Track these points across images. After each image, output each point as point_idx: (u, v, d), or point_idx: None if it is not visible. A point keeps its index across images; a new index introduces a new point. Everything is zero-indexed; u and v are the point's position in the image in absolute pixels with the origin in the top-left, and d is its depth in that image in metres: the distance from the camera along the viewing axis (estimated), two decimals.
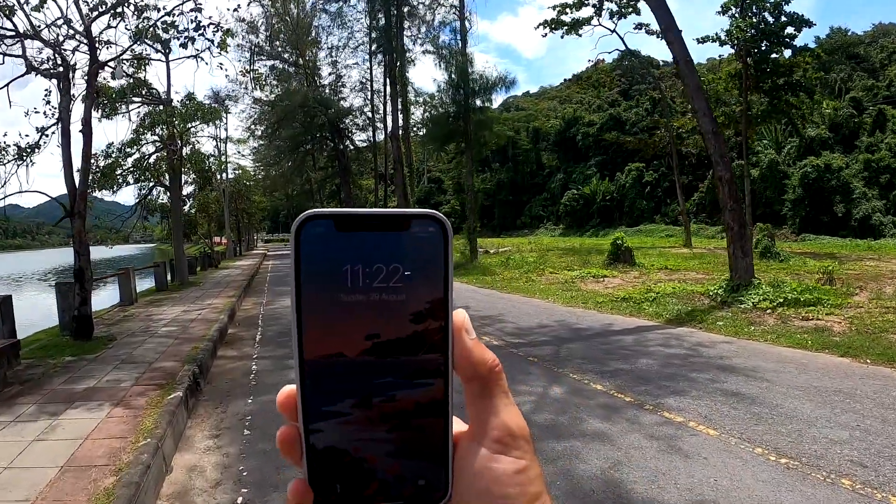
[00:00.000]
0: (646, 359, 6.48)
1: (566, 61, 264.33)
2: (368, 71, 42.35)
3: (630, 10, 31.79)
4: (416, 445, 0.35)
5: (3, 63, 7.83)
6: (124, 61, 12.64)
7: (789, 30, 29.39)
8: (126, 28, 9.20)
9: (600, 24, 33.79)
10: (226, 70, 38.04)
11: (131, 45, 8.57)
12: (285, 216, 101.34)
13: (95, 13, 7.82)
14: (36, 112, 10.29)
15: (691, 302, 10.75)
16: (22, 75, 7.75)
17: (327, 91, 44.18)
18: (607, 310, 10.15)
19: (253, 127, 44.76)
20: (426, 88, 65.68)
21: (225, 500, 3.18)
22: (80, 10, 7.77)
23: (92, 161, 15.77)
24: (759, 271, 15.61)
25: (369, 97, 42.91)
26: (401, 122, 31.61)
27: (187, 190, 25.23)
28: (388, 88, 38.72)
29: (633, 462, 3.63)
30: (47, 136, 10.07)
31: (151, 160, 16.11)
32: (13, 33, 7.49)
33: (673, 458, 3.67)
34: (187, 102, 15.55)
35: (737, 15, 30.03)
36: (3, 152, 8.40)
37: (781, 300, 9.65)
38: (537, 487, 0.34)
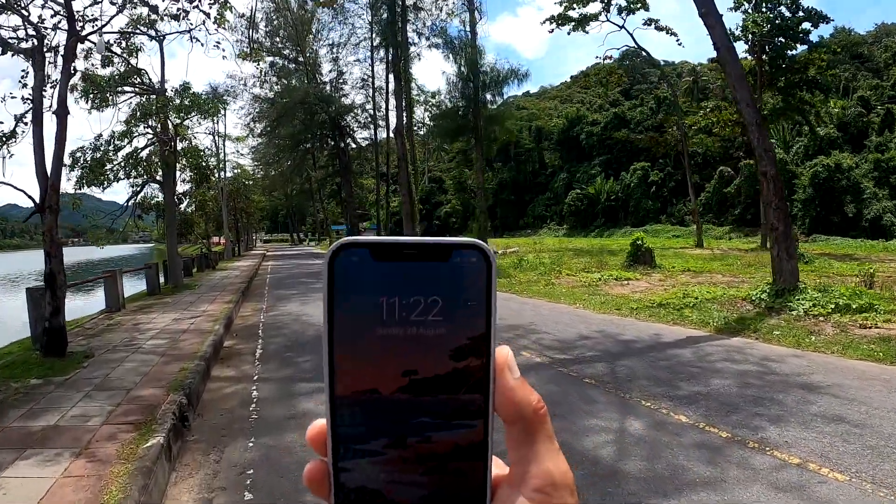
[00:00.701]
0: (717, 378, 5.56)
1: (566, 62, 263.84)
2: (370, 68, 41.40)
3: (639, 4, 30.94)
4: (452, 489, 0.34)
5: None
6: (108, 43, 11.60)
7: (804, 25, 28.50)
8: (111, 2, 8.20)
9: (608, 21, 32.87)
10: (223, 50, 36.72)
11: (115, 15, 7.49)
12: (284, 216, 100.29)
13: None
14: (13, 98, 9.29)
15: (734, 308, 9.84)
16: None
17: (328, 88, 43.19)
18: (646, 317, 9.18)
19: (252, 125, 43.76)
20: (429, 86, 64.79)
21: None
22: None
23: (79, 155, 14.80)
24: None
25: (371, 94, 41.96)
26: (404, 118, 30.67)
27: (184, 188, 24.20)
28: (393, 84, 37.79)
29: None
30: (25, 123, 9.06)
31: (144, 154, 15.07)
32: None
33: None
34: (182, 92, 14.51)
35: (750, 10, 29.06)
36: None
37: (833, 306, 8.83)
38: None
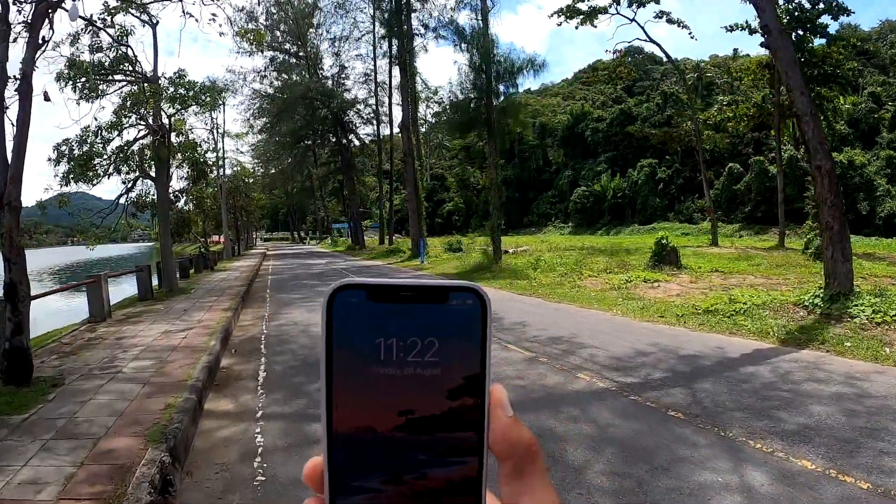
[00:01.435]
0: (816, 405, 4.64)
1: (566, 60, 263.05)
2: (373, 62, 40.28)
3: None
4: None
5: None
6: (94, 21, 10.54)
7: (822, 19, 27.47)
8: None
9: (618, 13, 31.82)
10: (220, 25, 35.33)
11: None
12: (284, 214, 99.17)
13: None
14: None
15: (788, 315, 8.85)
16: None
17: (330, 83, 42.08)
18: (696, 326, 8.16)
19: (252, 120, 42.65)
20: (432, 82, 63.64)
21: None
22: None
23: (64, 148, 13.71)
24: (817, 273, 13.67)
25: (374, 89, 40.83)
26: (410, 113, 29.57)
27: (181, 184, 23.10)
28: (396, 78, 36.76)
29: None
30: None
31: (135, 148, 13.99)
32: None
33: None
34: (177, 80, 13.41)
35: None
36: None
37: (895, 313, 7.91)
38: None
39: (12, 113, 5.43)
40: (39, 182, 16.90)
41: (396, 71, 38.29)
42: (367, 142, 45.07)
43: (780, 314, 8.88)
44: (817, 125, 10.31)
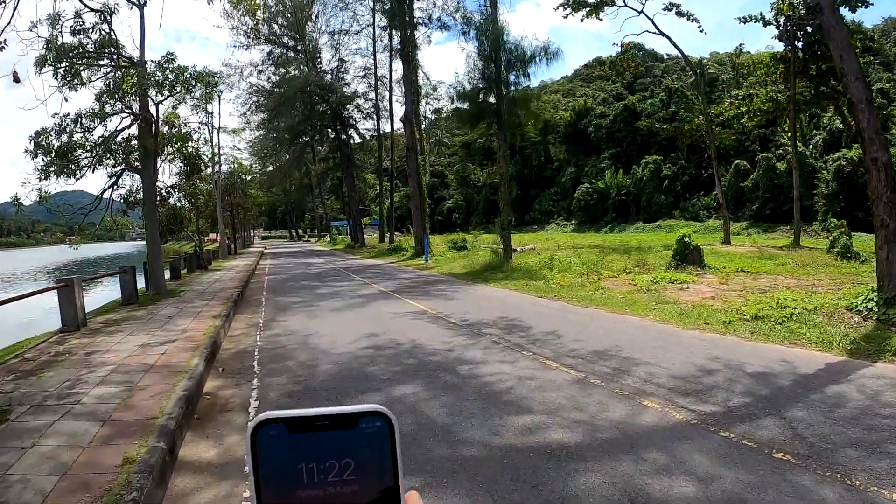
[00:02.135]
0: None
1: (566, 57, 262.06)
2: (373, 56, 39.17)
3: None
4: None
5: None
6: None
7: (841, 11, 26.50)
8: None
9: (626, 6, 30.86)
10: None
11: None
12: (283, 212, 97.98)
13: None
14: None
15: (843, 321, 7.93)
16: None
17: (329, 77, 40.98)
18: (748, 334, 7.20)
19: (248, 114, 41.54)
20: (433, 77, 62.32)
21: None
22: None
23: (42, 139, 12.64)
24: (848, 273, 12.69)
25: (374, 84, 39.73)
26: (412, 106, 28.51)
27: (173, 180, 22.05)
28: (397, 71, 35.67)
29: None
30: None
31: (120, 138, 12.93)
32: None
33: None
34: (164, 65, 12.36)
35: None
36: None
37: None
38: None
39: None
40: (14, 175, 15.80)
41: (397, 65, 37.25)
42: (367, 137, 43.96)
43: (835, 321, 7.96)
44: (873, 113, 9.36)
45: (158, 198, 21.65)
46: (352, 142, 43.08)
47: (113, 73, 12.60)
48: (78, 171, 12.92)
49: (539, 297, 11.16)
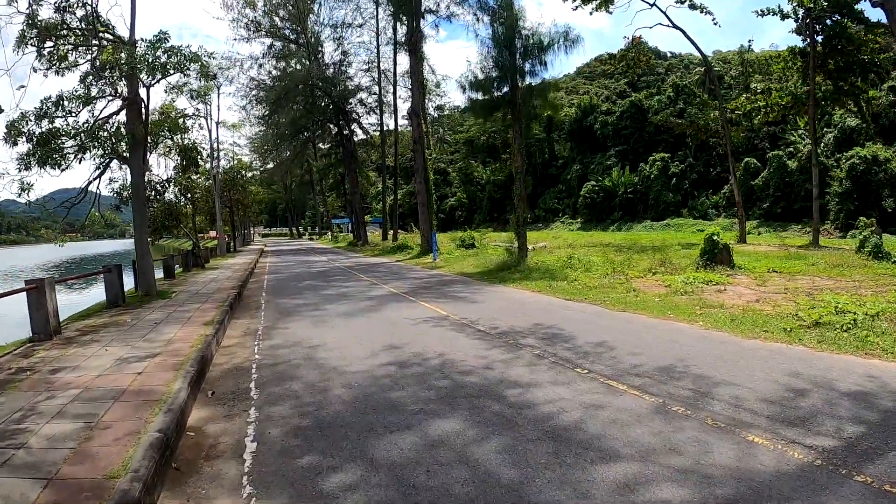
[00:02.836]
0: None
1: (568, 55, 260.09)
2: (376, 49, 38.02)
3: None
4: None
5: None
6: None
7: (859, 5, 25.44)
8: None
9: None
10: None
11: None
12: (283, 209, 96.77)
13: None
14: None
15: None
16: None
17: (331, 71, 39.82)
18: (813, 343, 6.22)
19: (249, 107, 40.39)
20: (438, 73, 60.87)
21: None
22: None
23: (21, 125, 11.55)
24: (885, 275, 11.71)
25: (377, 77, 38.57)
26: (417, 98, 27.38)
27: (168, 174, 20.94)
28: (404, 63, 34.51)
29: None
30: None
31: (108, 124, 11.85)
32: None
33: None
34: (156, 44, 11.27)
35: None
36: None
37: None
38: None
39: None
40: None
41: (401, 58, 36.14)
42: (370, 131, 42.80)
43: None
44: None
45: (153, 192, 20.59)
46: (355, 137, 41.95)
47: (99, 54, 11.50)
48: (63, 161, 11.83)
49: (567, 299, 10.09)
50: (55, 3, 11.76)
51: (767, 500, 2.79)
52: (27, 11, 11.19)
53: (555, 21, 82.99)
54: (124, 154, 11.35)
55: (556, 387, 4.74)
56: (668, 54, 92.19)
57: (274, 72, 40.15)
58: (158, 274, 16.63)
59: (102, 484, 2.81)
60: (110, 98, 10.98)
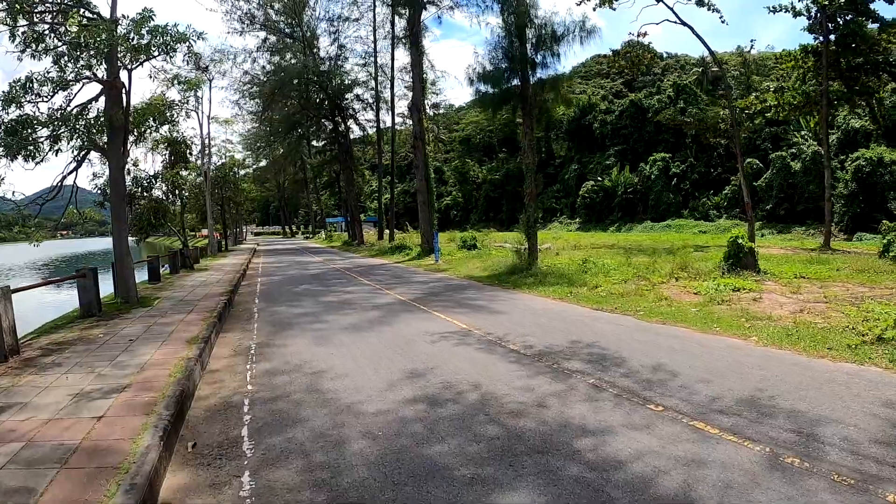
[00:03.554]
0: None
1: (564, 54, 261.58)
2: (373, 44, 36.89)
3: None
4: None
5: None
6: None
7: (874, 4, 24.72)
8: None
9: None
10: None
11: None
12: (276, 208, 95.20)
13: None
14: None
15: None
16: None
17: (327, 65, 38.64)
18: (884, 363, 5.49)
19: (241, 101, 39.13)
20: (437, 70, 59.77)
21: None
22: None
23: None
24: None
25: (374, 73, 37.44)
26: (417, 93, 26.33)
27: (157, 168, 19.72)
28: (402, 58, 33.49)
29: None
30: None
31: (88, 111, 10.68)
32: None
33: None
34: (140, 23, 10.15)
35: None
36: None
37: None
38: None
39: None
40: None
41: (399, 53, 35.05)
42: (367, 128, 41.66)
43: None
44: None
45: (140, 188, 19.38)
46: (351, 134, 40.78)
47: (78, 32, 10.32)
48: (37, 153, 10.66)
49: (595, 309, 9.08)
50: None
51: None
52: None
53: (570, 10, 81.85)
54: (103, 145, 10.20)
55: (635, 432, 3.71)
56: (664, 54, 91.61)
57: (268, 66, 38.93)
58: (143, 276, 15.47)
59: None
60: (87, 81, 9.83)
